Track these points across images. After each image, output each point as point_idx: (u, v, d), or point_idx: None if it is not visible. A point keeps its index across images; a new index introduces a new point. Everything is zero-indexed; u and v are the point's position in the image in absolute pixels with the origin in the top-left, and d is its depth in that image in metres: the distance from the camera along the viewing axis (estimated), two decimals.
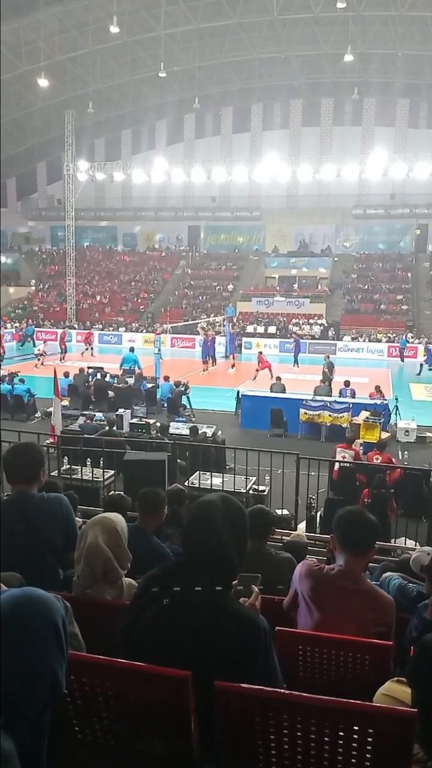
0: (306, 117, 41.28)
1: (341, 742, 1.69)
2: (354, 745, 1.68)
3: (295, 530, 8.04)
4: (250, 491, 8.98)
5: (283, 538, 7.76)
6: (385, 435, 13.15)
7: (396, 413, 15.37)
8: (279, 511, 8.84)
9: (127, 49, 32.86)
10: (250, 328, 33.14)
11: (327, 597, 2.56)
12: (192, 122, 42.90)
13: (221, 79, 38.00)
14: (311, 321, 33.95)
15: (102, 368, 19.98)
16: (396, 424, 14.98)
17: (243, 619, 1.84)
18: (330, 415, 14.59)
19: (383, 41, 31.65)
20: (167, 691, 1.79)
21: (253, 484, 9.08)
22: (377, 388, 16.60)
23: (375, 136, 38.90)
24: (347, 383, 17.14)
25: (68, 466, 9.13)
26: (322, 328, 33.09)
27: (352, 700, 1.67)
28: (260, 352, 23.96)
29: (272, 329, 33.27)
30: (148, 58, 33.24)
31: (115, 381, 17.98)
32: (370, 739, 1.67)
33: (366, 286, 37.30)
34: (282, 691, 1.74)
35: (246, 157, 37.34)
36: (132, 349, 22.42)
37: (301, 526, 8.54)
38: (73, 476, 8.81)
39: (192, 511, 2.00)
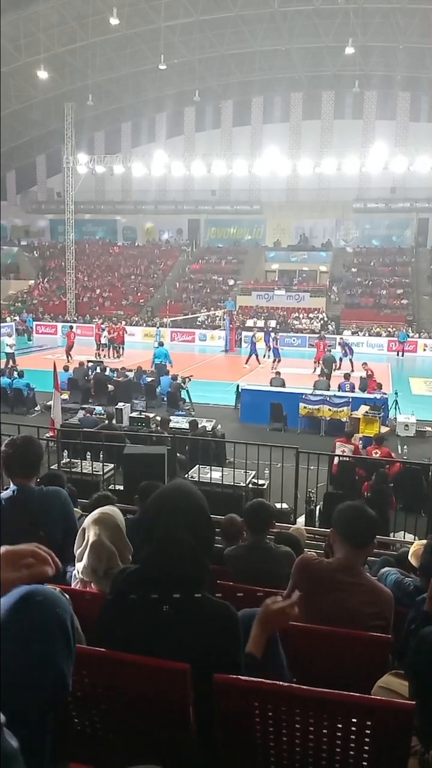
0: (306, 110, 41.12)
1: (339, 734, 1.69)
2: (352, 737, 1.68)
3: (295, 524, 8.07)
4: (250, 485, 8.99)
5: (282, 532, 7.81)
6: (384, 429, 13.15)
7: (395, 408, 15.38)
8: (278, 505, 8.86)
9: (126, 41, 32.72)
10: (249, 323, 33.09)
11: (326, 590, 2.56)
12: (192, 115, 42.74)
13: (221, 71, 37.84)
14: (311, 315, 33.90)
15: (102, 362, 19.97)
16: (395, 418, 14.99)
17: (216, 611, 1.80)
18: (329, 410, 14.60)
19: (384, 34, 31.51)
20: (166, 684, 1.79)
21: (253, 477, 9.09)
22: (368, 374, 16.63)
23: (376, 130, 38.78)
24: (347, 376, 17.15)
25: (68, 460, 9.15)
26: (322, 322, 33.04)
27: (350, 693, 1.67)
28: (319, 340, 23.59)
29: (272, 323, 33.19)
30: (148, 51, 33.10)
31: (115, 375, 17.97)
32: (368, 732, 1.67)
33: (366, 281, 37.26)
34: (280, 684, 1.74)
35: (246, 150, 37.22)
36: (161, 344, 22.20)
37: (300, 520, 8.56)
38: (73, 470, 8.82)
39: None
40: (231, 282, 38.76)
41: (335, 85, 38.98)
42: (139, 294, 39.26)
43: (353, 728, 1.67)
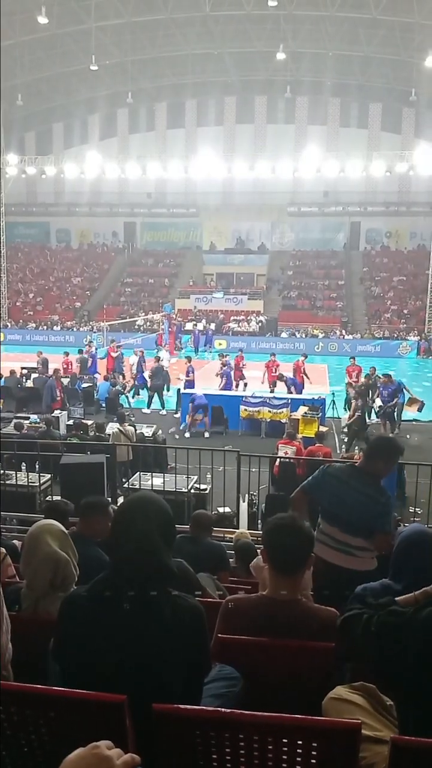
0: (240, 114, 41.46)
1: (285, 758, 1.63)
2: (299, 759, 1.63)
3: (238, 528, 8.04)
4: (192, 490, 8.90)
5: (226, 536, 7.76)
6: (323, 429, 13.33)
7: (333, 407, 15.65)
8: (221, 509, 8.82)
9: (56, 40, 32.06)
10: (189, 326, 33.03)
11: (262, 634, 2.36)
12: (125, 117, 42.32)
13: (154, 73, 37.68)
14: (249, 317, 34.16)
15: (36, 368, 19.40)
16: (340, 417, 15.29)
17: (190, 608, 1.89)
18: (269, 411, 14.70)
19: (314, 40, 32.16)
20: (103, 717, 1.69)
21: (195, 483, 9.00)
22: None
23: (308, 135, 39.50)
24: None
25: (2, 472, 8.80)
26: (260, 324, 33.34)
27: (294, 716, 1.61)
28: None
29: (211, 327, 33.23)
30: (78, 51, 32.54)
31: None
32: (314, 753, 1.62)
33: (302, 283, 37.89)
34: (221, 710, 1.68)
35: (181, 153, 37.18)
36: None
37: (243, 523, 8.54)
38: (8, 482, 8.50)
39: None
40: (168, 284, 38.60)
41: (267, 90, 39.48)
42: (74, 297, 38.55)
43: (299, 750, 1.62)
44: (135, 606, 1.82)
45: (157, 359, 17.84)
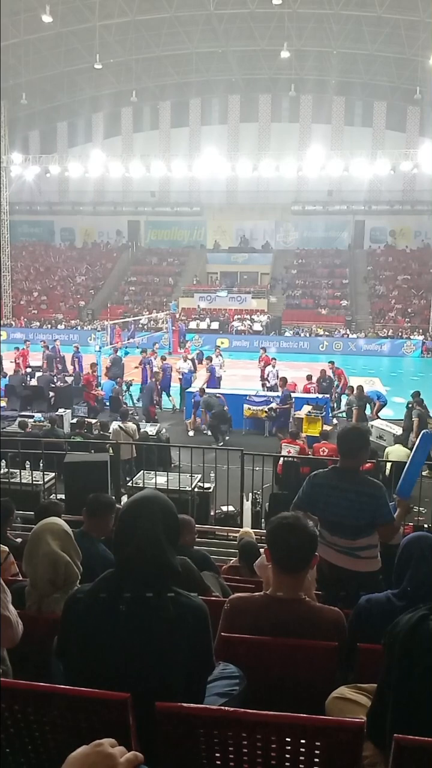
0: (244, 113, 41.43)
1: (289, 756, 1.63)
2: (302, 758, 1.63)
3: (242, 527, 8.04)
4: (196, 489, 8.89)
5: (230, 534, 7.76)
6: (327, 428, 13.32)
7: (337, 407, 15.62)
8: (224, 508, 8.83)
9: (61, 39, 32.10)
10: (192, 324, 33.03)
11: (261, 632, 2.37)
12: (129, 116, 42.35)
13: (158, 72, 37.67)
14: (253, 317, 34.12)
15: (40, 367, 19.44)
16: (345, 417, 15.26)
17: (189, 608, 1.87)
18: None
19: (318, 39, 32.08)
20: (106, 715, 1.70)
21: (199, 481, 8.99)
22: (309, 378, 16.52)
23: (312, 133, 39.44)
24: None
25: (6, 470, 8.82)
26: (264, 323, 33.29)
27: (297, 714, 1.61)
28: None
29: (215, 325, 33.25)
30: (83, 49, 32.56)
31: (56, 380, 17.56)
32: (318, 752, 1.62)
33: (306, 282, 37.84)
34: (224, 708, 1.68)
35: (185, 151, 37.17)
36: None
37: (247, 522, 8.54)
38: (12, 480, 8.51)
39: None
40: (172, 283, 38.59)
41: (271, 89, 39.42)
42: (79, 296, 38.60)
43: (302, 749, 1.62)
44: (132, 607, 1.82)
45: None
